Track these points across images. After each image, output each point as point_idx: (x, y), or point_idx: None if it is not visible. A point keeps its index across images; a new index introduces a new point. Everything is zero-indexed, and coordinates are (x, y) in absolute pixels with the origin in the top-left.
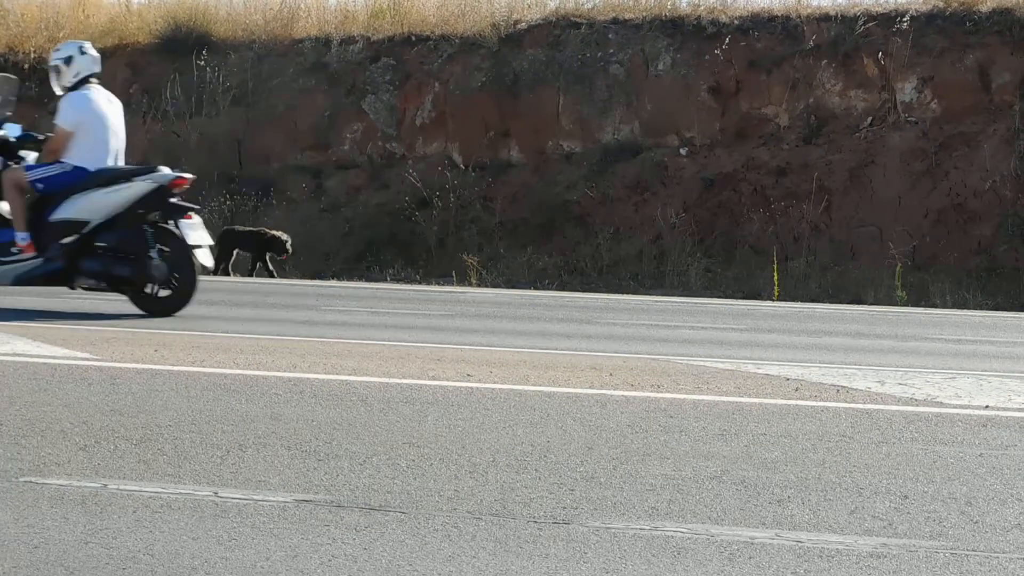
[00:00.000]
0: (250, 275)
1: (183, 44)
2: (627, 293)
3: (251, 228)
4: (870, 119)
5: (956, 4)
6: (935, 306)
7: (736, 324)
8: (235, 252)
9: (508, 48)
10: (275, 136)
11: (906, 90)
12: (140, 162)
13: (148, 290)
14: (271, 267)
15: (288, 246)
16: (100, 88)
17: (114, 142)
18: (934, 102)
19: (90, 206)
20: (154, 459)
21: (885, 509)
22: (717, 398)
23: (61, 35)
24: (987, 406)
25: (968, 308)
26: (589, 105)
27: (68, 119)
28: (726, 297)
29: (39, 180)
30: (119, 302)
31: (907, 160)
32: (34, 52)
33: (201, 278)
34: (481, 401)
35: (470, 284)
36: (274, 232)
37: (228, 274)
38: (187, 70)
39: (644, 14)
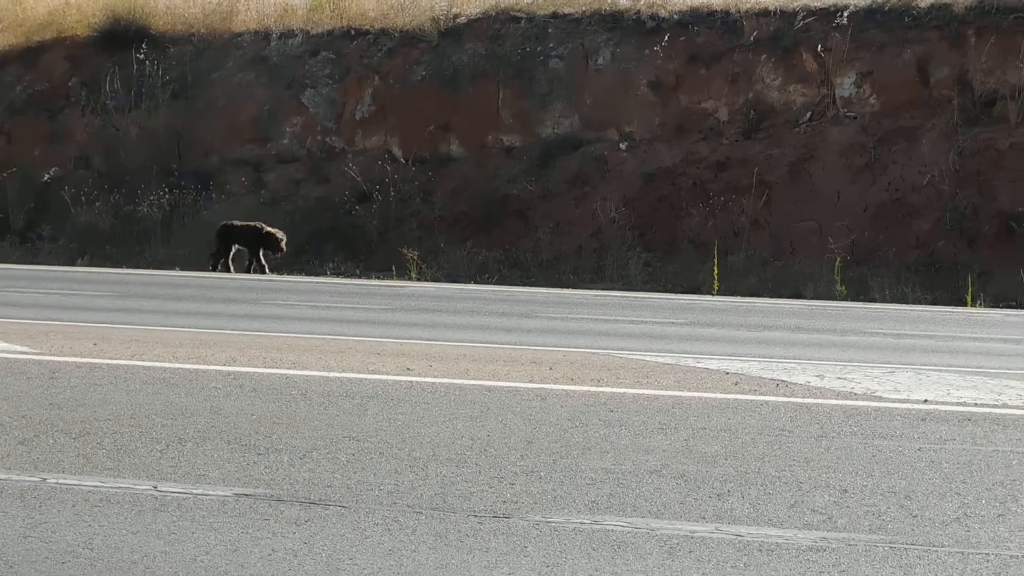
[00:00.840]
0: (245, 271)
1: (122, 37)
2: (567, 287)
3: (248, 223)
4: (809, 114)
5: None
6: (874, 300)
7: (676, 318)
8: (234, 248)
9: (448, 42)
10: (215, 130)
11: (845, 85)
12: (79, 156)
13: None
14: (264, 263)
15: (283, 244)
16: None
17: None
18: (873, 97)
19: None
20: (93, 453)
21: (824, 503)
22: (657, 392)
23: None
24: (926, 400)
25: (907, 302)
26: (529, 99)
27: None
28: (666, 291)
29: None
30: (58, 295)
31: (846, 155)
32: None
33: (141, 272)
34: (421, 395)
35: (410, 278)
36: (270, 228)
37: (228, 270)
38: (126, 63)
39: (584, 8)
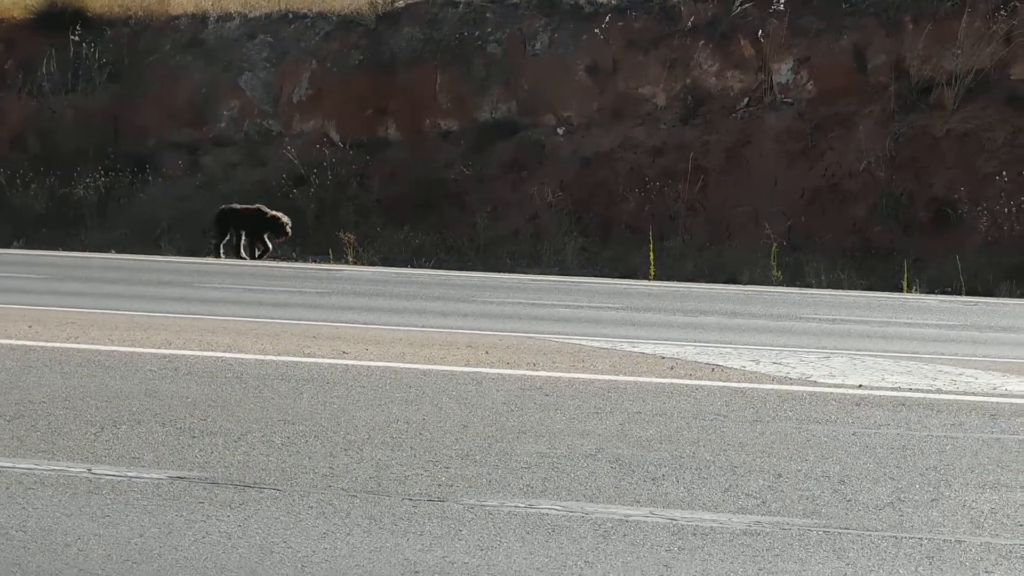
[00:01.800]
0: (244, 256)
1: (58, 19)
2: (503, 271)
3: (249, 207)
4: (747, 100)
5: None
6: (810, 286)
7: (612, 303)
8: (232, 232)
9: (385, 26)
10: (151, 112)
11: (782, 71)
12: (15, 138)
13: None
14: (266, 247)
15: (288, 228)
16: None
17: None
18: (810, 83)
19: None
20: (27, 435)
21: (759, 487)
22: (593, 376)
23: None
24: (860, 385)
25: (842, 288)
26: (467, 84)
27: None
28: (602, 276)
29: None
30: None
31: (783, 141)
32: None
33: (77, 255)
34: (356, 378)
35: (347, 261)
36: (274, 212)
37: (239, 255)
38: (63, 46)
39: None
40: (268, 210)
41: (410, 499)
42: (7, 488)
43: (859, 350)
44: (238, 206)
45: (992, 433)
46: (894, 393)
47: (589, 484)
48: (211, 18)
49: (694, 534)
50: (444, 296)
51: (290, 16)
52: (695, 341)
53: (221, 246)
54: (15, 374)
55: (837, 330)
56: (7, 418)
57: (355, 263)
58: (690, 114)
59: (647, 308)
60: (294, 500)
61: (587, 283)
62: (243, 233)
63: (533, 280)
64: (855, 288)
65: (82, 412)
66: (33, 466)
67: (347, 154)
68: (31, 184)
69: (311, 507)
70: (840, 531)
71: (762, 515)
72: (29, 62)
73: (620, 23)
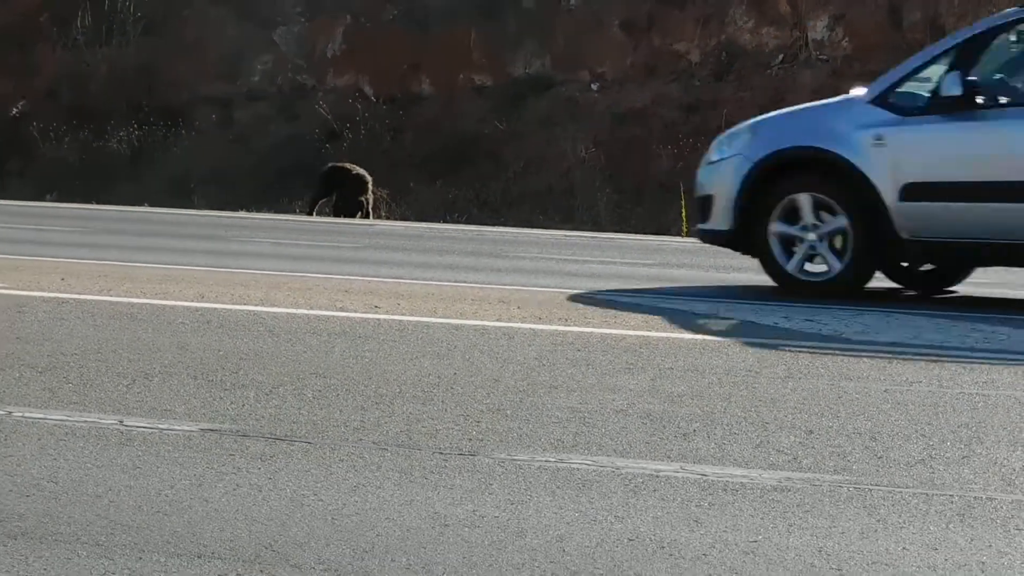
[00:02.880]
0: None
1: None
2: (536, 227)
3: (360, 171)
4: (781, 56)
5: None
6: None
7: (645, 259)
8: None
9: None
10: (185, 66)
11: (818, 28)
12: (48, 90)
13: None
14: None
15: (360, 213)
16: None
17: None
18: (845, 40)
19: None
20: (59, 387)
21: (790, 443)
22: (624, 332)
23: None
24: (893, 342)
25: None
26: (501, 39)
27: None
28: (635, 232)
29: None
30: (26, 229)
31: (817, 98)
32: None
33: (110, 208)
34: (388, 333)
35: (379, 216)
36: (369, 195)
37: (352, 214)
38: None
39: None
40: (369, 185)
41: (441, 453)
42: (39, 440)
43: (892, 307)
44: (348, 165)
45: None
46: (927, 350)
47: (620, 439)
48: None
49: (724, 490)
50: (476, 251)
51: None
52: (727, 297)
53: (316, 207)
54: (47, 326)
55: (868, 286)
56: (39, 370)
57: (388, 218)
58: (724, 71)
59: (680, 264)
60: (325, 453)
61: (620, 239)
62: (339, 194)
63: (566, 236)
64: None
65: (114, 364)
66: (65, 418)
67: (380, 109)
68: (64, 137)
69: (342, 460)
70: (871, 487)
71: (793, 471)
72: (64, 15)
73: None
